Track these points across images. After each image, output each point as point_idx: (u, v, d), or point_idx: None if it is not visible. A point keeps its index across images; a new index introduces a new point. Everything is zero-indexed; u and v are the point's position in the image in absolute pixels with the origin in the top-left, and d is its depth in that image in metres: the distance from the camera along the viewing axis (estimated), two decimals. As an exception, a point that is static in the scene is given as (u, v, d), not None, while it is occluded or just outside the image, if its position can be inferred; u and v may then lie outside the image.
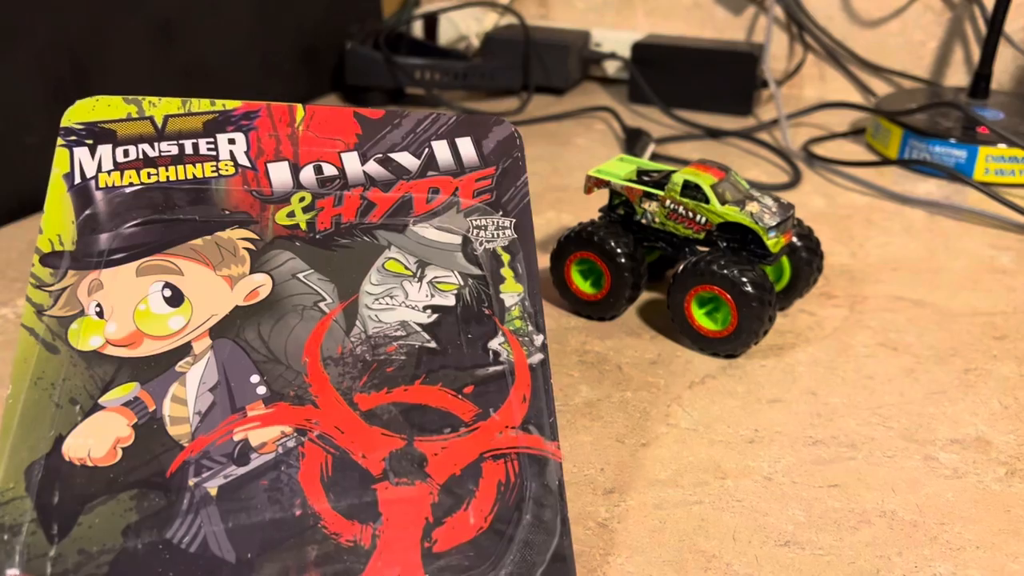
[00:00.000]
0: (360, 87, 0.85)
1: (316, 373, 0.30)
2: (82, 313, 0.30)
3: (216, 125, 0.35)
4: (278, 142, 0.35)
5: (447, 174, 0.35)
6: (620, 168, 0.49)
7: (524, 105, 0.84)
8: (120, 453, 0.28)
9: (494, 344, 0.32)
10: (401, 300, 0.32)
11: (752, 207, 0.44)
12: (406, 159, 0.35)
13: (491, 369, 0.31)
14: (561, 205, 0.63)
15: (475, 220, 0.34)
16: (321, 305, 0.32)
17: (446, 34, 0.94)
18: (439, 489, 0.28)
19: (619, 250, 0.46)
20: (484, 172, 0.35)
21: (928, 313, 0.50)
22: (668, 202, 0.46)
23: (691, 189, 0.45)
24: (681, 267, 0.44)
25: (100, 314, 0.30)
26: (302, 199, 0.34)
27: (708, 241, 0.46)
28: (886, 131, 0.73)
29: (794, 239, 0.47)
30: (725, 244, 0.45)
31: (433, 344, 0.31)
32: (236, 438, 0.29)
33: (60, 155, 0.33)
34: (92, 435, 0.28)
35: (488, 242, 0.34)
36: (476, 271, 0.33)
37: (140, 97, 0.35)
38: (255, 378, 0.30)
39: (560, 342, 0.46)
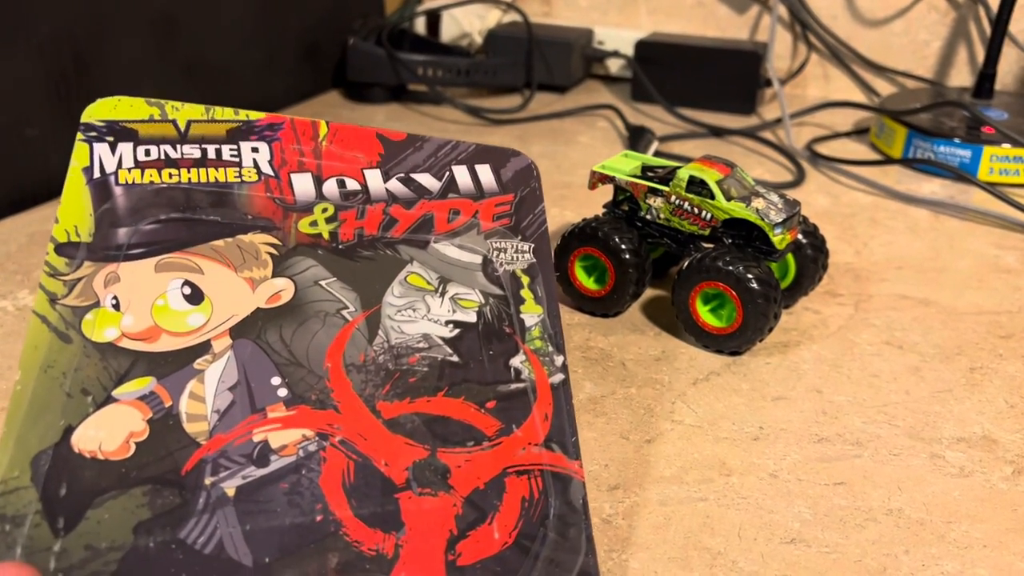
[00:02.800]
0: (362, 83, 0.85)
1: (338, 378, 0.30)
2: (97, 304, 0.30)
3: (239, 133, 0.35)
4: (301, 154, 0.35)
5: (467, 197, 0.36)
6: (625, 164, 0.49)
7: (527, 102, 0.83)
8: (133, 447, 0.27)
9: (515, 362, 0.32)
10: (423, 313, 0.32)
11: (758, 203, 0.44)
12: (427, 180, 0.36)
13: (513, 386, 0.31)
14: (564, 202, 0.63)
15: (495, 243, 0.35)
16: (344, 313, 0.32)
17: (449, 31, 0.94)
18: (463, 501, 0.28)
19: (623, 246, 0.45)
20: (503, 198, 0.36)
21: (933, 312, 0.49)
22: (673, 198, 0.45)
23: (696, 185, 0.45)
24: (686, 263, 0.44)
25: (116, 306, 0.30)
26: (325, 210, 0.34)
27: (713, 237, 0.45)
28: (890, 131, 0.73)
29: (799, 236, 0.47)
30: (730, 240, 0.45)
31: (455, 358, 0.31)
32: (256, 439, 0.28)
33: (80, 149, 0.32)
34: (104, 427, 0.27)
35: (508, 264, 0.34)
36: (497, 291, 0.33)
37: (163, 101, 0.35)
38: (276, 380, 0.29)
39: (564, 338, 0.45)
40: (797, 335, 0.47)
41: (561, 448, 0.29)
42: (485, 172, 0.37)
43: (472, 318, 0.33)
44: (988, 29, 0.83)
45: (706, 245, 0.46)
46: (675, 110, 0.81)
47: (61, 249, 0.30)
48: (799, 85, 0.92)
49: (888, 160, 0.70)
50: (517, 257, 0.35)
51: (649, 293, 0.50)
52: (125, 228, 0.31)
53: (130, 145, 0.33)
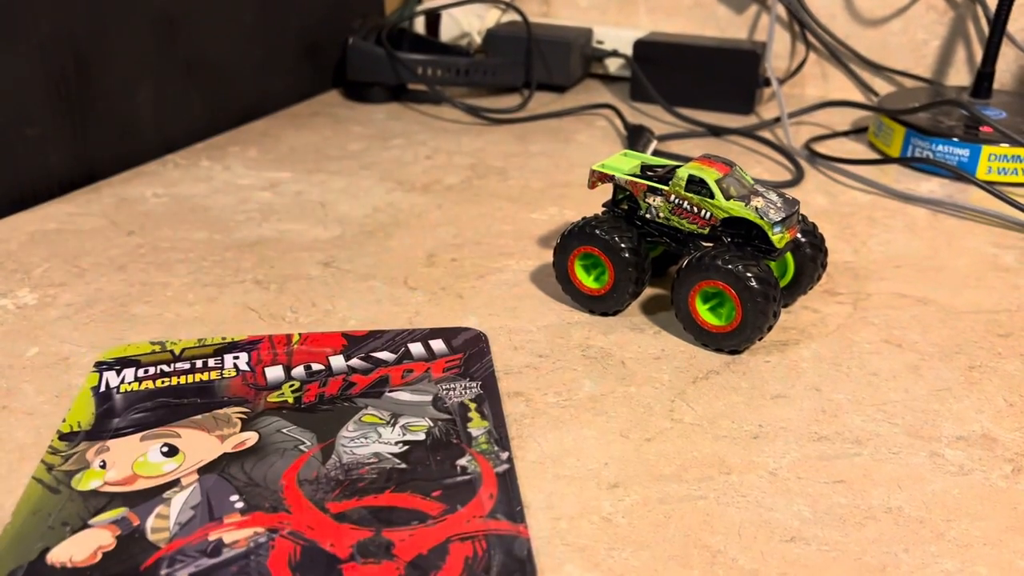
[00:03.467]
0: (362, 83, 0.85)
1: (291, 490, 0.33)
2: (87, 467, 0.34)
3: (224, 350, 0.42)
4: (275, 355, 0.42)
5: (420, 361, 0.42)
6: (624, 163, 0.49)
7: (526, 102, 0.83)
8: (100, 556, 0.30)
9: (461, 462, 0.35)
10: (375, 439, 0.36)
11: (757, 202, 0.44)
12: (385, 355, 0.42)
13: (459, 479, 0.34)
14: (563, 201, 0.63)
15: (445, 385, 0.40)
16: (300, 447, 0.35)
17: (448, 31, 0.94)
18: (405, 565, 0.30)
19: (623, 245, 0.45)
20: (452, 357, 0.42)
21: (932, 310, 0.49)
22: (672, 197, 0.46)
23: (696, 184, 0.45)
24: (685, 262, 0.44)
25: (103, 466, 0.34)
26: (292, 385, 0.39)
27: (712, 236, 0.45)
28: (888, 130, 0.73)
29: (798, 235, 0.47)
30: (730, 239, 0.45)
31: (403, 466, 0.35)
32: (211, 538, 0.31)
33: (91, 377, 0.40)
34: (77, 545, 0.30)
35: (457, 398, 0.39)
36: (445, 416, 0.38)
37: (166, 339, 0.43)
38: (234, 497, 0.33)
39: (563, 337, 0.46)
40: (796, 334, 0.47)
41: (507, 517, 0.32)
42: (438, 344, 0.43)
43: (421, 437, 0.36)
44: (986, 28, 0.83)
45: (705, 244, 0.46)
46: (674, 109, 0.81)
47: (64, 436, 0.36)
48: (797, 84, 0.92)
49: (886, 159, 0.70)
50: (465, 392, 0.39)
51: (648, 292, 0.50)
52: (119, 417, 0.37)
53: (133, 369, 0.40)
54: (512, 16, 0.97)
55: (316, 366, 0.41)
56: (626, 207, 0.48)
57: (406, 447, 0.35)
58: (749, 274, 0.42)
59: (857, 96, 0.90)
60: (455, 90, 0.89)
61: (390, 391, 0.39)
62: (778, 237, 0.44)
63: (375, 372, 0.40)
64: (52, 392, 0.40)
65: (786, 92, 0.91)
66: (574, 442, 0.38)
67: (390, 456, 0.35)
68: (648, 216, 0.47)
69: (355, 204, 0.62)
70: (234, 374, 0.40)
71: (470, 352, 0.42)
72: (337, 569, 0.30)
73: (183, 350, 0.42)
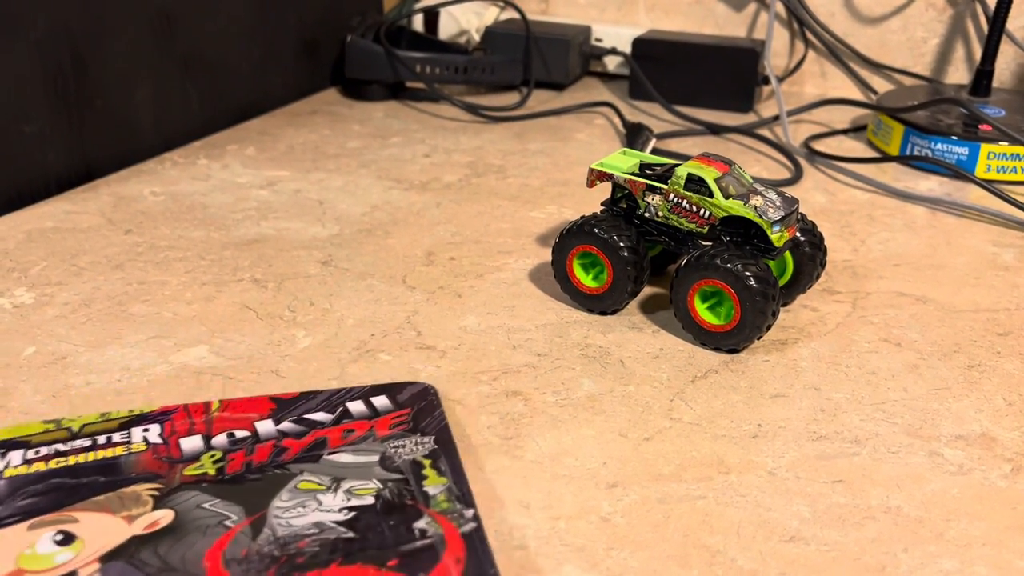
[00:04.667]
0: (360, 81, 0.84)
1: (216, 572, 0.29)
2: None
3: (132, 423, 0.37)
4: (192, 425, 0.36)
5: (361, 419, 0.37)
6: (623, 162, 0.49)
7: (524, 100, 0.83)
8: None
9: (419, 524, 0.31)
10: (315, 508, 0.32)
11: (756, 201, 0.44)
12: (320, 416, 0.37)
13: (418, 544, 0.30)
14: (562, 199, 0.63)
15: (393, 443, 0.35)
16: (226, 523, 0.31)
17: (446, 28, 0.93)
18: None
19: (622, 243, 0.45)
20: (399, 413, 0.37)
21: (931, 309, 0.49)
22: (671, 196, 0.45)
23: (695, 183, 0.45)
24: (684, 261, 0.44)
25: None
26: (213, 455, 0.34)
27: (711, 235, 0.45)
28: (887, 128, 0.73)
29: (798, 234, 0.47)
30: (728, 238, 0.45)
31: (351, 534, 0.30)
32: None
33: None
34: None
35: (407, 455, 0.34)
36: (396, 476, 0.33)
37: (61, 417, 0.37)
38: None
39: (562, 336, 0.46)
40: (795, 333, 0.47)
41: None
42: (380, 400, 0.38)
43: (369, 501, 0.32)
44: (985, 26, 0.83)
45: (704, 243, 0.46)
46: (672, 108, 0.81)
47: None
48: (796, 83, 0.92)
49: (885, 157, 0.70)
50: (416, 448, 0.35)
51: (647, 291, 0.50)
52: (2, 505, 0.32)
53: (20, 452, 0.34)
54: (511, 14, 0.96)
55: (241, 433, 0.36)
56: (625, 206, 0.48)
57: (352, 513, 0.31)
58: (748, 273, 0.42)
59: (856, 94, 0.89)
60: (453, 88, 0.89)
61: (329, 453, 0.34)
62: (777, 236, 0.44)
63: (310, 435, 0.36)
64: (49, 392, 0.40)
65: (785, 90, 0.91)
66: (572, 441, 0.38)
67: (334, 525, 0.31)
68: (647, 215, 0.47)
69: (353, 202, 0.62)
70: (143, 448, 0.35)
71: (418, 407, 0.38)
72: None
73: (83, 426, 0.36)
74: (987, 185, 0.62)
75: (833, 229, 0.59)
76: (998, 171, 0.68)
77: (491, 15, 0.95)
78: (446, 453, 0.35)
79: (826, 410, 0.40)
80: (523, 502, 0.34)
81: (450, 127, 0.78)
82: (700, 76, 0.84)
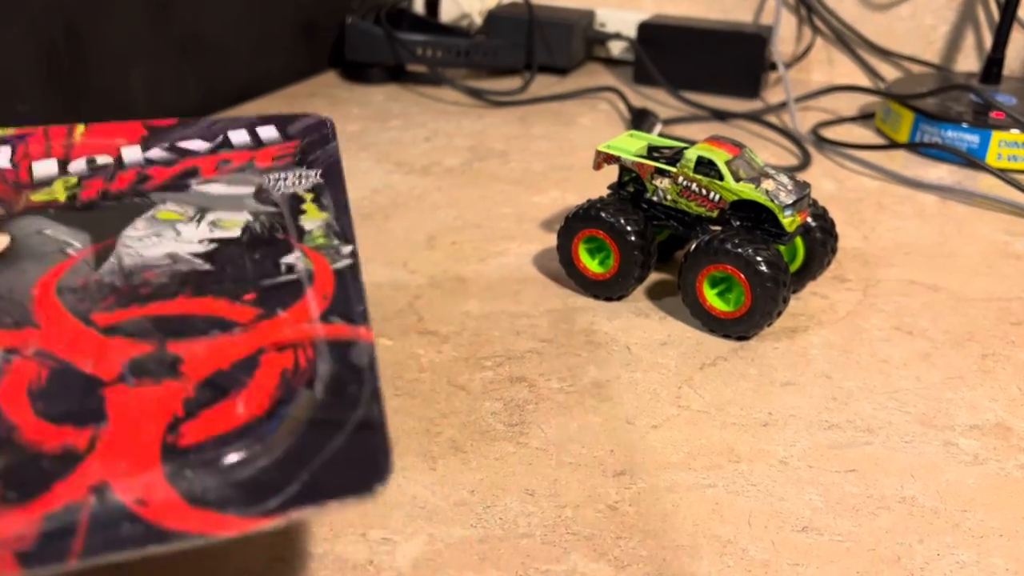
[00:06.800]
0: (361, 63, 0.83)
1: (46, 301, 0.26)
2: None
3: None
4: (49, 148, 0.33)
5: (243, 150, 0.33)
6: (631, 144, 0.48)
7: (527, 84, 0.82)
8: None
9: (288, 259, 0.28)
10: (172, 238, 0.28)
11: (767, 185, 0.43)
12: (196, 144, 0.33)
13: (281, 279, 0.27)
14: (566, 184, 0.62)
15: (273, 175, 0.31)
16: (67, 250, 0.28)
17: (448, 11, 0.92)
18: (196, 385, 0.24)
19: (629, 227, 0.44)
20: (286, 145, 0.33)
21: (943, 298, 0.48)
22: (681, 179, 0.44)
23: (705, 166, 0.43)
24: (693, 245, 0.43)
25: None
26: (67, 182, 0.31)
27: (721, 220, 0.44)
28: (897, 115, 0.72)
29: (809, 219, 0.46)
30: (739, 223, 0.44)
31: (207, 267, 0.27)
32: None
33: None
34: None
35: (287, 189, 0.31)
36: (271, 209, 0.30)
37: None
38: None
39: (567, 322, 0.45)
40: (805, 320, 0.46)
41: (344, 319, 0.25)
42: (267, 130, 0.34)
43: (235, 234, 0.29)
44: (996, 14, 0.82)
45: (714, 227, 0.45)
46: (678, 93, 0.80)
47: None
48: (803, 69, 0.90)
49: (894, 145, 0.69)
50: (300, 182, 0.31)
51: (653, 277, 0.49)
52: None
53: None
54: (514, -3, 0.95)
55: (103, 159, 0.32)
56: (632, 189, 0.47)
57: (213, 246, 0.28)
58: (759, 258, 0.41)
59: (863, 82, 0.88)
60: (455, 72, 0.88)
61: (199, 184, 0.31)
62: (789, 220, 0.42)
63: (180, 163, 0.32)
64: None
65: (791, 77, 0.90)
66: (579, 428, 0.37)
67: (189, 257, 0.28)
68: (655, 199, 0.46)
69: (353, 186, 0.61)
70: None
71: (309, 139, 0.33)
72: (98, 394, 0.23)
73: None
74: (1000, 173, 0.61)
75: (842, 216, 0.58)
76: (1009, 159, 0.67)
77: (494, -1, 0.94)
78: (332, 188, 0.31)
79: (838, 398, 0.39)
80: (528, 489, 0.33)
81: (451, 111, 0.77)
82: (706, 61, 0.83)
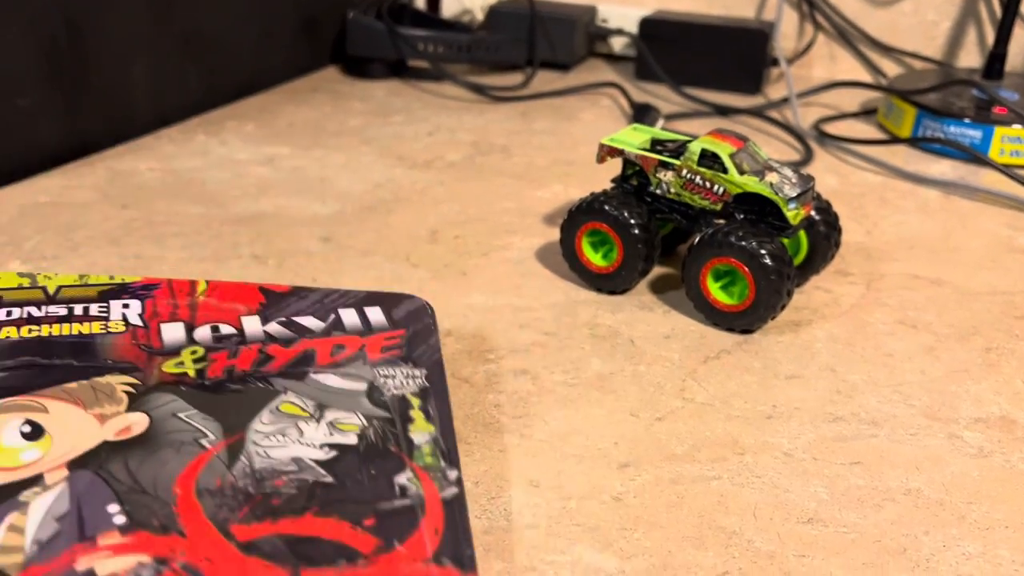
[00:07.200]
0: (362, 58, 0.83)
1: (187, 503, 0.26)
2: None
3: (111, 294, 0.34)
4: (175, 308, 0.34)
5: (353, 334, 0.34)
6: (634, 137, 0.48)
7: (529, 80, 0.82)
8: None
9: (401, 479, 0.28)
10: (295, 438, 0.29)
11: (771, 178, 0.43)
12: (310, 322, 0.34)
13: (397, 503, 0.27)
14: (568, 179, 0.62)
15: (383, 371, 0.33)
16: (202, 441, 0.29)
17: (449, 6, 0.92)
18: None
19: (632, 220, 0.44)
20: (393, 333, 0.35)
21: (947, 292, 0.48)
22: (684, 172, 0.44)
23: (708, 159, 0.43)
24: (697, 238, 0.43)
25: None
26: (194, 352, 0.32)
27: (725, 213, 0.44)
28: (899, 111, 0.72)
29: (812, 213, 0.46)
30: (743, 216, 0.44)
31: (329, 479, 0.28)
32: (79, 568, 0.24)
33: None
34: None
35: (397, 389, 0.32)
36: (382, 413, 0.31)
37: (36, 272, 0.34)
38: (113, 507, 0.26)
39: (570, 315, 0.44)
40: (809, 314, 0.45)
41: (454, 562, 0.26)
42: (375, 312, 0.36)
43: (352, 440, 0.30)
44: (998, 9, 0.82)
45: (717, 220, 0.45)
46: (680, 89, 0.80)
47: None
48: (804, 65, 0.90)
49: (896, 140, 0.69)
50: (407, 383, 0.32)
51: (657, 271, 0.49)
52: None
53: None
54: (515, -7, 0.95)
55: (225, 328, 0.33)
56: (636, 183, 0.47)
57: (333, 452, 0.29)
58: (763, 251, 0.41)
59: (865, 78, 0.88)
60: (457, 67, 0.88)
61: (315, 372, 0.32)
62: (793, 213, 0.42)
63: (298, 344, 0.33)
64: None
65: (793, 73, 0.90)
66: (583, 421, 0.36)
67: (313, 464, 0.28)
68: (658, 192, 0.46)
69: (355, 180, 0.60)
70: (122, 328, 0.32)
71: (414, 329, 0.35)
72: None
73: (59, 288, 0.33)
74: (1004, 168, 0.61)
75: (845, 211, 0.58)
76: (1012, 155, 0.67)
77: (495, -6, 0.94)
78: (436, 394, 0.32)
79: (842, 391, 0.39)
80: (532, 481, 0.33)
81: (453, 106, 0.77)
82: (708, 57, 0.83)
